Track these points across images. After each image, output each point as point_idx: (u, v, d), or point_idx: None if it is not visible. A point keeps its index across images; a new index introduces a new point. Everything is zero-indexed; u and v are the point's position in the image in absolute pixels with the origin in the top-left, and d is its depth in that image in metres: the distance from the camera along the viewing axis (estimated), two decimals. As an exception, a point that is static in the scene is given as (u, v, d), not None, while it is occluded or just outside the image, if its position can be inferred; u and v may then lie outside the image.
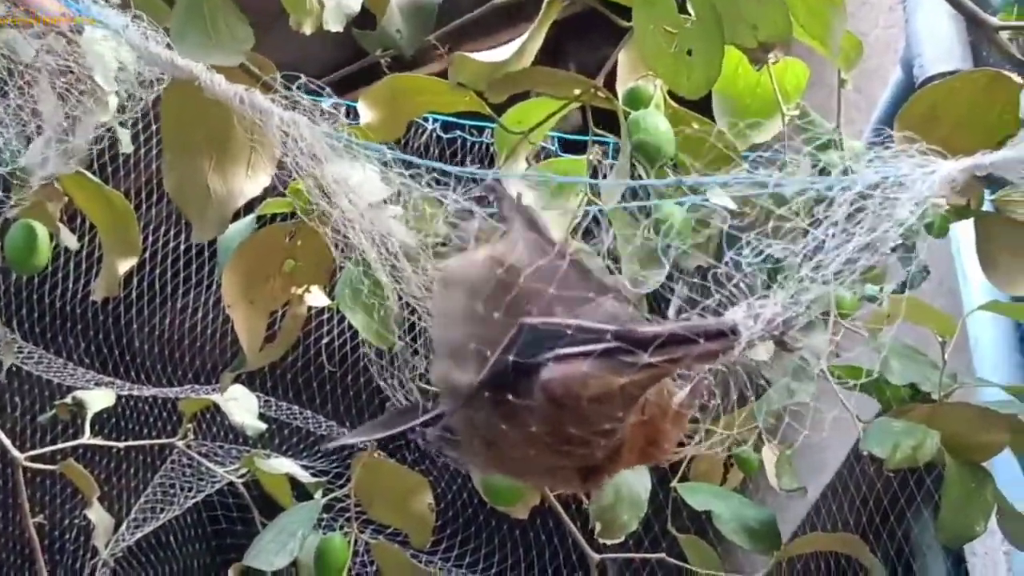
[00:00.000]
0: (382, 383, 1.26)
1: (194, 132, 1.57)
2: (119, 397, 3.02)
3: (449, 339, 1.12)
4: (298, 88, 1.86)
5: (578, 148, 2.33)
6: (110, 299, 2.75)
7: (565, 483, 1.14)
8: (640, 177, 2.01)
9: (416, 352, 1.21)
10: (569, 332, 1.03)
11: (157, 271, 3.77)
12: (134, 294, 3.83)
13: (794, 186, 1.04)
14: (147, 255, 3.61)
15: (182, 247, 3.70)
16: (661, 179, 2.02)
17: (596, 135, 2.03)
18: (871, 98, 3.15)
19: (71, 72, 1.71)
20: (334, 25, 1.59)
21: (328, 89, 1.59)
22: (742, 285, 1.05)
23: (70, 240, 2.10)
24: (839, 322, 2.11)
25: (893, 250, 2.61)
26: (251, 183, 1.84)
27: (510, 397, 1.03)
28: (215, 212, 1.84)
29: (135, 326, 3.91)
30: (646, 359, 1.01)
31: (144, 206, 3.42)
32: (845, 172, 1.08)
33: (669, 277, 1.17)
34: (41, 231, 2.08)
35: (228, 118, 1.60)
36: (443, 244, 1.19)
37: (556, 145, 2.81)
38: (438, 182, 1.25)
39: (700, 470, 2.24)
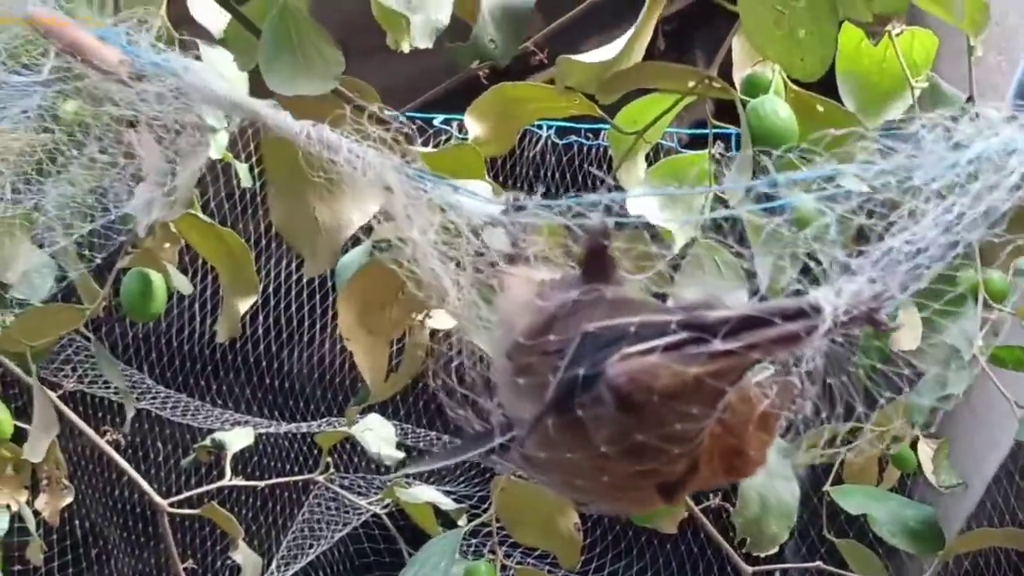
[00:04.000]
0: (445, 399, 1.18)
1: (296, 162, 1.53)
2: (258, 436, 3.02)
3: (505, 367, 1.04)
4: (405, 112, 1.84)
5: (701, 143, 2.26)
6: (238, 338, 2.76)
7: (644, 504, 1.03)
8: (764, 168, 1.92)
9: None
10: (633, 331, 0.94)
11: (282, 305, 3.78)
12: (260, 330, 3.84)
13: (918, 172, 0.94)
14: (271, 291, 3.62)
15: (304, 281, 3.71)
16: (786, 167, 1.94)
17: (716, 127, 1.96)
18: (1015, 59, 3.00)
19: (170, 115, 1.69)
20: (422, 42, 1.53)
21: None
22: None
23: (183, 285, 2.09)
24: (991, 305, 2.01)
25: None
26: (359, 211, 1.80)
27: (579, 412, 0.94)
28: (325, 244, 1.81)
29: (264, 363, 3.93)
30: (718, 346, 0.92)
31: (272, 242, 3.42)
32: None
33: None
34: (156, 278, 2.08)
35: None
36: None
37: (675, 142, 2.74)
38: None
39: (853, 471, 2.15)
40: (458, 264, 1.08)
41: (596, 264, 1.04)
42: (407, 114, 2.51)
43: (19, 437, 2.52)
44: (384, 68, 1.76)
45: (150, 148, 1.72)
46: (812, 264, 1.00)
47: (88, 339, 2.34)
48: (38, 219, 1.75)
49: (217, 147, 2.08)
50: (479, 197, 1.10)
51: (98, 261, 1.77)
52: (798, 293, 0.98)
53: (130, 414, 2.30)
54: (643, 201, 1.95)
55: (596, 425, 0.94)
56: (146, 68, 1.23)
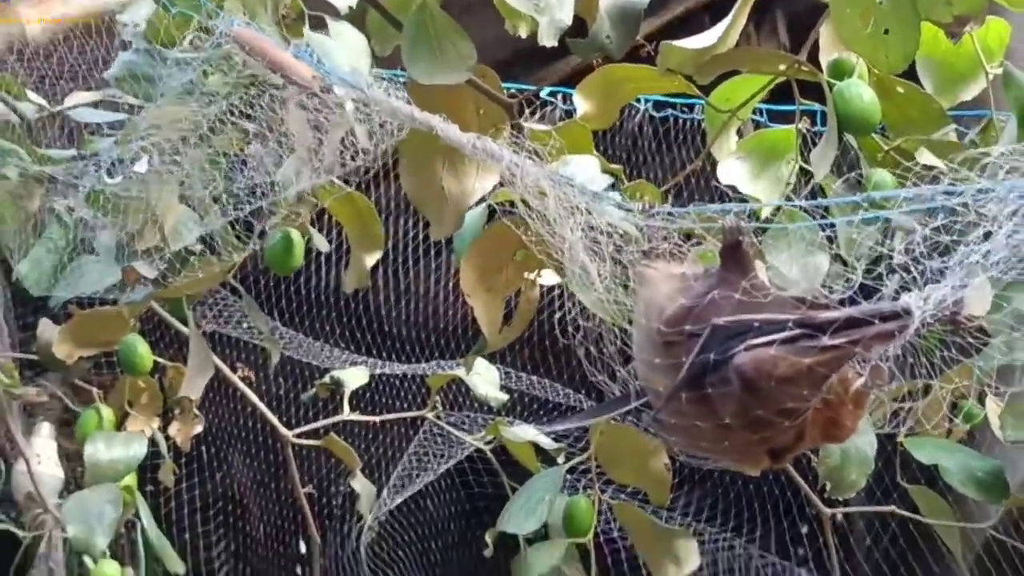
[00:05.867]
0: (587, 365, 1.40)
1: (427, 136, 1.70)
2: (372, 375, 3.23)
3: (644, 346, 1.25)
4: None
5: (784, 117, 2.40)
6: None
7: (756, 464, 1.27)
8: (849, 145, 2.08)
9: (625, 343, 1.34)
10: (756, 326, 1.16)
11: (400, 258, 3.96)
12: (380, 281, 4.04)
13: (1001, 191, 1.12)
14: (390, 245, 3.79)
15: (421, 235, 3.88)
16: (868, 147, 2.10)
17: (802, 104, 2.09)
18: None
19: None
20: (548, 40, 1.70)
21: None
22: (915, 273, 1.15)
23: (322, 244, 2.30)
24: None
25: None
26: (482, 181, 1.98)
27: (709, 390, 1.17)
28: (451, 211, 1.99)
29: (383, 311, 4.12)
30: (826, 341, 1.14)
31: (378, 194, 3.57)
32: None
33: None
34: (296, 237, 2.30)
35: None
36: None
37: (764, 116, 2.87)
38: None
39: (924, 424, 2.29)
40: (600, 258, 1.28)
41: (733, 257, 1.26)
42: (517, 87, 2.70)
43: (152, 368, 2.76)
44: (473, 24, 1.90)
45: (299, 123, 1.92)
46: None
47: (229, 288, 2.54)
48: (190, 181, 1.96)
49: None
50: (616, 202, 1.29)
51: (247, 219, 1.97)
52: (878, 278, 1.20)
53: (275, 359, 2.53)
54: (734, 171, 2.12)
55: (722, 401, 1.17)
56: (336, 82, 1.43)
